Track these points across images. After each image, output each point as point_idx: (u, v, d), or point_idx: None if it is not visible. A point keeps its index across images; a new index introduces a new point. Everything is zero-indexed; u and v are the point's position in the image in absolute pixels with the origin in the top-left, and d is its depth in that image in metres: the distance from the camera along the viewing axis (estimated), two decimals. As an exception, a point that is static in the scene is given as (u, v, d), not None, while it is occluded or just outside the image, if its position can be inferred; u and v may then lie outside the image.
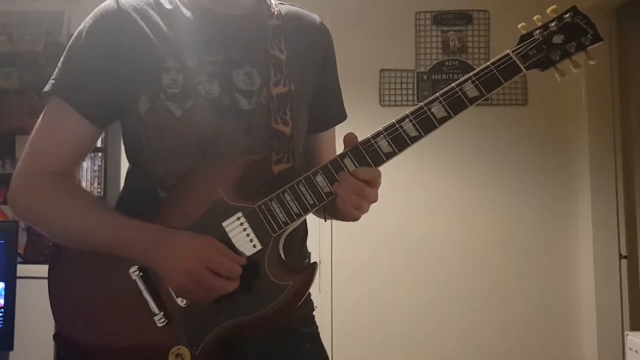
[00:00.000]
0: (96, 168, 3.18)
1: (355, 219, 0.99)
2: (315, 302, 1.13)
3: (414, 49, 3.22)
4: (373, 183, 0.96)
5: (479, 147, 3.15)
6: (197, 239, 0.92)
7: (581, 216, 3.08)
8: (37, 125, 1.00)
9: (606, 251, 2.97)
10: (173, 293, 0.94)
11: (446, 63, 3.20)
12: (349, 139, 0.97)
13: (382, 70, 3.19)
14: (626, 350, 2.35)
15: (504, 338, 3.07)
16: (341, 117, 1.21)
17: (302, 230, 1.10)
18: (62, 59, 1.00)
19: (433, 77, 3.20)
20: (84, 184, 3.16)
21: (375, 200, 0.98)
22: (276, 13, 1.08)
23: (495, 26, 3.17)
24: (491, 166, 3.17)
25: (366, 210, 0.98)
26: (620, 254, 2.98)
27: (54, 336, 0.99)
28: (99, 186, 3.16)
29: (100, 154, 3.18)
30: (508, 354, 3.06)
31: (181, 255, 0.90)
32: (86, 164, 3.17)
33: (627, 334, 2.37)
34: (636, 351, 2.24)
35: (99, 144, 3.18)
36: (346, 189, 0.94)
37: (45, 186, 0.97)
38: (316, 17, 1.16)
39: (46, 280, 1.00)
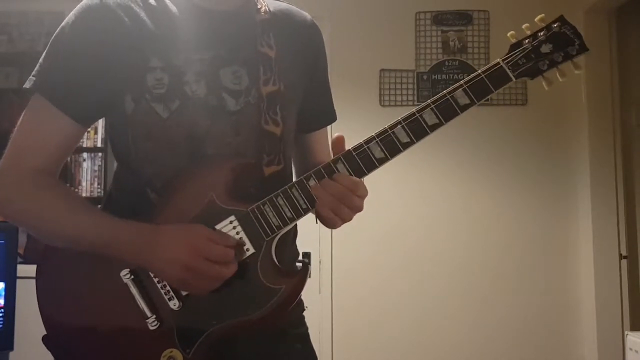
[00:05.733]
0: (96, 168, 3.18)
1: (333, 225, 0.97)
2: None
3: (414, 49, 3.22)
4: (354, 190, 0.94)
5: (479, 147, 3.15)
6: (186, 230, 0.91)
7: (581, 216, 3.09)
8: (19, 123, 0.97)
9: (606, 251, 2.98)
10: (172, 289, 0.93)
11: (446, 63, 3.21)
12: (337, 141, 0.96)
13: (382, 70, 3.19)
14: (626, 350, 2.36)
15: (503, 338, 3.07)
16: (331, 117, 1.19)
17: (293, 231, 1.09)
18: (44, 54, 0.96)
19: (433, 77, 3.20)
20: (83, 184, 3.17)
21: (359, 209, 0.97)
22: (264, 9, 1.06)
23: (495, 26, 3.17)
24: (491, 166, 3.17)
25: (348, 218, 0.97)
26: (620, 254, 2.98)
27: (43, 339, 0.97)
28: (99, 186, 3.16)
29: (100, 154, 3.18)
30: (508, 354, 3.06)
31: (174, 250, 0.89)
32: (86, 164, 3.18)
33: (627, 334, 2.38)
34: (636, 351, 2.24)
35: (98, 143, 3.18)
36: (325, 191, 0.93)
37: (30, 185, 0.95)
38: (306, 15, 1.13)
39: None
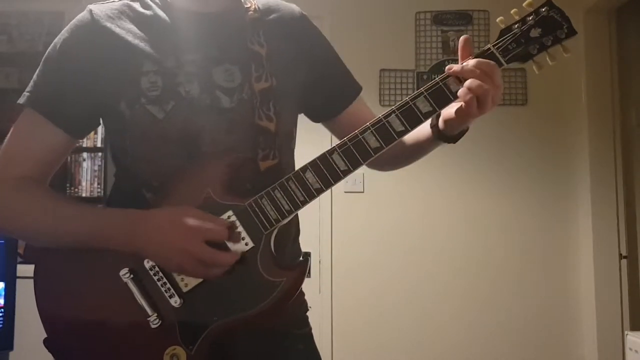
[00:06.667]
0: (96, 168, 3.18)
1: (468, 113, 0.93)
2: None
3: (414, 49, 3.22)
4: (490, 74, 0.92)
5: (479, 147, 3.15)
6: (177, 212, 0.91)
7: (581, 216, 3.09)
8: (9, 134, 0.99)
9: (606, 251, 2.98)
10: (172, 286, 0.93)
11: (446, 63, 3.20)
12: (464, 43, 0.96)
13: (382, 70, 3.19)
14: (626, 350, 2.35)
15: (503, 338, 3.07)
16: (356, 89, 1.20)
17: (294, 228, 1.10)
18: (37, 71, 1.00)
19: (433, 77, 3.19)
20: (83, 184, 3.17)
21: (496, 96, 0.93)
22: (253, 7, 1.08)
23: (495, 26, 3.15)
24: (491, 166, 3.17)
25: (488, 103, 0.92)
26: (620, 254, 2.98)
27: (45, 341, 0.97)
28: (99, 186, 3.16)
29: (100, 154, 3.18)
30: (508, 354, 3.06)
31: (168, 233, 0.89)
32: (86, 164, 3.18)
33: (627, 334, 2.37)
34: (636, 351, 2.24)
35: (98, 143, 3.18)
36: (470, 67, 0.91)
37: (11, 189, 0.96)
38: (294, 7, 1.14)
39: (47, 280, 0.99)
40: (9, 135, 0.99)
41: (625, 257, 2.98)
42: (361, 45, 3.18)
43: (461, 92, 0.93)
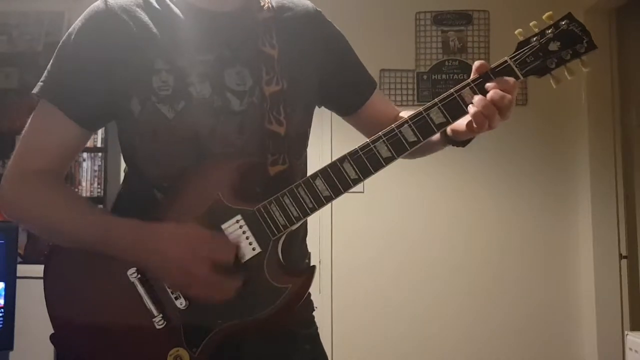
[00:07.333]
0: (96, 168, 3.17)
1: (479, 128, 0.93)
2: (315, 303, 1.13)
3: (414, 49, 3.22)
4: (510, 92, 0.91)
5: (478, 147, 3.13)
6: (186, 229, 0.91)
7: (581, 216, 3.09)
8: (26, 127, 0.99)
9: (606, 251, 2.98)
10: (169, 290, 0.93)
11: (446, 63, 3.21)
12: (480, 67, 0.95)
13: (382, 70, 3.19)
14: (626, 350, 2.36)
15: (504, 338, 3.07)
16: (372, 84, 1.20)
17: (302, 230, 1.10)
18: (51, 61, 0.99)
19: (433, 77, 3.20)
20: (83, 184, 3.16)
21: (508, 112, 0.92)
22: (267, 6, 1.07)
23: (495, 26, 3.17)
24: (491, 166, 3.17)
25: (496, 123, 0.92)
26: (620, 254, 2.98)
27: (51, 337, 0.98)
28: (99, 186, 3.16)
29: (100, 154, 3.18)
30: (508, 354, 3.06)
31: (172, 250, 0.90)
32: (86, 164, 3.18)
33: (627, 334, 2.38)
34: (636, 351, 2.24)
35: (98, 143, 3.18)
36: (484, 99, 0.91)
37: (32, 183, 0.97)
38: (308, 4, 1.14)
39: (46, 280, 0.99)
40: (26, 127, 1.00)
41: (625, 257, 2.97)
42: (361, 45, 3.14)
43: (473, 113, 0.92)
